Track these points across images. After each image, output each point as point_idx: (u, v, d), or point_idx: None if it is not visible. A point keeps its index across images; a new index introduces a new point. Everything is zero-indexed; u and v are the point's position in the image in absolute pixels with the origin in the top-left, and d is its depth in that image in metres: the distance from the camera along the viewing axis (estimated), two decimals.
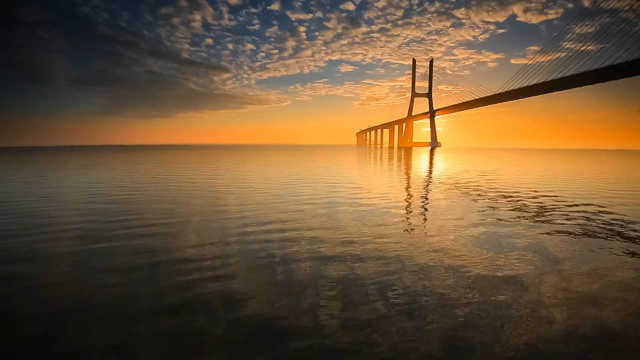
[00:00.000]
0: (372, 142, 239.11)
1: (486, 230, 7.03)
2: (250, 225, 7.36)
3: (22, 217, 8.64)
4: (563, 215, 8.74)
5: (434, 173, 22.14)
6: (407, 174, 21.18)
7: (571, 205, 10.17)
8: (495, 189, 14.23)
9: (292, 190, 13.11)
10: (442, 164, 32.68)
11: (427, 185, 15.17)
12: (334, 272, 4.73)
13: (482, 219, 8.12)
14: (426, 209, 9.54)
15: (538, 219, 8.27)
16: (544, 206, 10.07)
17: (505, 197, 11.96)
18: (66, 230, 7.28)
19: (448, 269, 4.83)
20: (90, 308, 3.75)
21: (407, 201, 10.91)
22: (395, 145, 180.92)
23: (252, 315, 3.57)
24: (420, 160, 40.63)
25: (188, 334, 3.21)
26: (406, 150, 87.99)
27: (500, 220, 8.08)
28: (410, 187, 14.49)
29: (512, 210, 9.41)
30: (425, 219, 8.19)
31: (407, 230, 7.11)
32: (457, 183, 16.16)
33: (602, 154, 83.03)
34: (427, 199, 11.43)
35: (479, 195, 12.34)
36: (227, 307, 3.73)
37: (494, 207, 9.76)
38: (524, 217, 8.46)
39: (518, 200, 11.12)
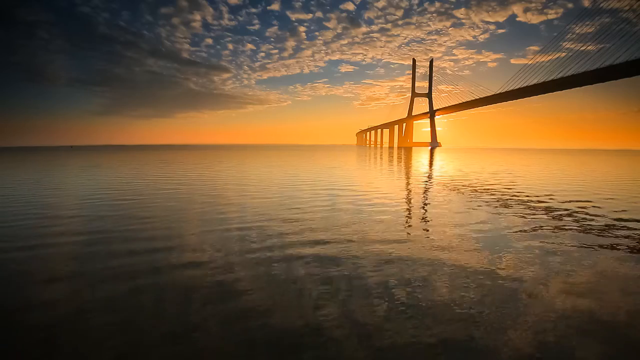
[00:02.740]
0: (372, 142, 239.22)
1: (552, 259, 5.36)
2: (266, 237, 6.66)
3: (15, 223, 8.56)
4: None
5: (447, 176, 20.22)
6: (420, 177, 19.48)
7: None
8: (522, 194, 12.63)
9: (304, 194, 12.55)
10: (451, 166, 30.86)
11: (448, 192, 13.23)
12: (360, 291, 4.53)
13: (543, 241, 6.35)
14: (466, 224, 7.73)
15: (598, 237, 6.69)
16: (598, 220, 8.20)
17: (540, 205, 10.28)
18: (63, 241, 7.21)
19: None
20: (89, 319, 3.70)
21: (435, 211, 9.26)
22: (395, 145, 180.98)
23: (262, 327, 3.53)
24: (425, 161, 39.36)
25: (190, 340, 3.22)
26: (408, 151, 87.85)
27: (558, 242, 6.28)
28: (430, 194, 12.66)
29: (565, 227, 7.46)
30: (478, 240, 6.43)
31: (453, 247, 5.93)
32: (479, 188, 14.43)
33: (602, 154, 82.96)
34: (458, 211, 9.32)
35: (510, 203, 10.59)
36: (228, 312, 3.70)
37: (537, 222, 7.99)
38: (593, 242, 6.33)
39: (561, 211, 9.28)
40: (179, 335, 3.24)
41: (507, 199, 11.41)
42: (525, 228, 7.37)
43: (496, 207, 9.96)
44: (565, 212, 9.17)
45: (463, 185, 15.35)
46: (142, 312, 3.69)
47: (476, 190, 13.68)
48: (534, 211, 9.33)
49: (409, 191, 13.42)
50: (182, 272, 4.78)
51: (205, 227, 7.39)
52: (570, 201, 11.10)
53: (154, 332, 3.30)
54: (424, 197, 12.04)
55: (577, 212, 9.25)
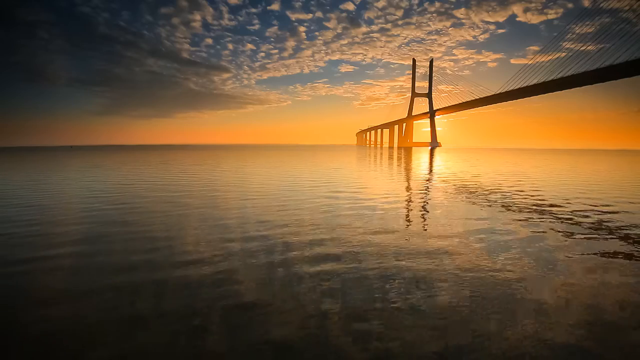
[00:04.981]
0: (372, 142, 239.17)
1: None
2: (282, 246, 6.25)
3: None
4: None
5: (461, 179, 18.55)
6: (430, 181, 17.81)
7: None
8: (553, 202, 11.12)
9: (306, 202, 11.41)
10: (458, 167, 29.31)
11: (469, 196, 11.83)
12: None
13: None
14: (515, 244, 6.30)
15: None
16: None
17: (583, 220, 8.47)
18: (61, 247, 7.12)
19: None
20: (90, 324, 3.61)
21: (470, 225, 7.76)
22: (395, 145, 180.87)
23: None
24: (430, 162, 38.26)
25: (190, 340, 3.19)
26: (408, 151, 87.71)
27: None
28: (449, 202, 10.92)
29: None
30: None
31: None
32: (506, 195, 12.49)
33: (602, 154, 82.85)
34: (498, 227, 7.58)
35: (545, 213, 9.21)
36: (228, 316, 3.61)
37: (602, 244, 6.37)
38: None
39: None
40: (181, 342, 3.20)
41: (538, 208, 9.91)
42: (589, 252, 5.90)
43: (535, 219, 8.49)
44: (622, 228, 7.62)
45: (485, 192, 13.52)
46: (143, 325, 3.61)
47: (508, 197, 12.14)
48: (580, 227, 7.71)
49: (425, 199, 11.83)
50: (183, 284, 4.65)
51: (207, 237, 7.18)
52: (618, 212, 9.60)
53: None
54: (444, 206, 10.26)
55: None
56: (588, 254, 5.78)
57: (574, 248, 6.11)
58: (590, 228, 7.63)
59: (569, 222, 8.25)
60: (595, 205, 10.56)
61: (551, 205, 10.55)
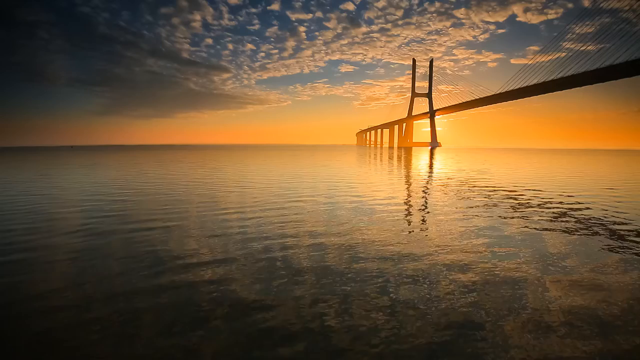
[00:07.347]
0: (372, 142, 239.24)
1: None
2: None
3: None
4: None
5: (473, 180, 17.26)
6: (442, 184, 15.98)
7: None
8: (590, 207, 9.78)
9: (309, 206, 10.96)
10: (469, 168, 27.64)
11: (510, 212, 9.16)
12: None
13: None
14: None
15: None
16: None
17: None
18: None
19: None
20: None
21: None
22: (395, 145, 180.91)
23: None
24: (435, 163, 36.15)
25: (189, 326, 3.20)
26: (408, 151, 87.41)
27: None
28: (487, 218, 8.41)
29: None
30: None
31: None
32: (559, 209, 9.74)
33: (602, 154, 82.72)
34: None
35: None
36: (229, 313, 3.72)
37: None
38: None
39: None
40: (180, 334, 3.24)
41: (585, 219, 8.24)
42: None
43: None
44: None
45: (521, 204, 10.55)
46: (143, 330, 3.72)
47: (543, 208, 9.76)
48: None
49: (441, 207, 9.94)
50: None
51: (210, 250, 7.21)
52: None
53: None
54: (475, 221, 8.09)
55: None
56: None
57: None
58: None
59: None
60: None
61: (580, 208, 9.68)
